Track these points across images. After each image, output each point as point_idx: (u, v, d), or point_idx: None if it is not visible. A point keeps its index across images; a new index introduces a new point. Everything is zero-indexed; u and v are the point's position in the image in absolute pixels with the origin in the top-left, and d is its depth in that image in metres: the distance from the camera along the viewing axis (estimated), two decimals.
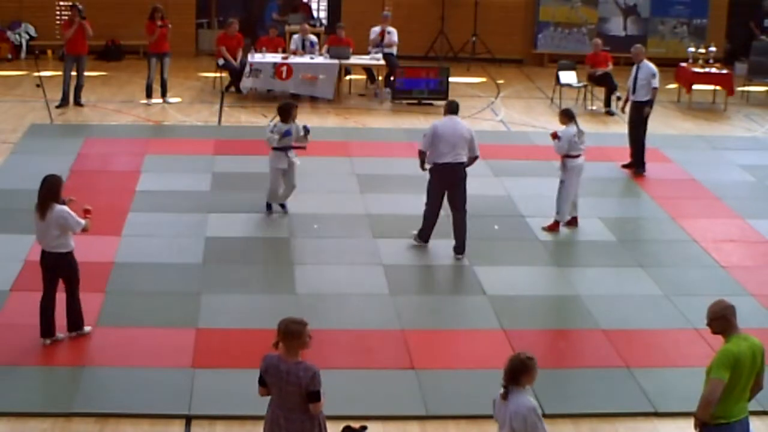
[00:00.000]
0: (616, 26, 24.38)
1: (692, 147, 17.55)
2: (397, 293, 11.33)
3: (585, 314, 11.02)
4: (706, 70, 20.52)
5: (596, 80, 20.14)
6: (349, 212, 13.75)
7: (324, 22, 23.86)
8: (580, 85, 20.44)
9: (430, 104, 19.95)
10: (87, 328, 10.00)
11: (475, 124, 18.57)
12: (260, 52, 20.17)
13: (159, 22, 18.89)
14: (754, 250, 13.09)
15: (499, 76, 23.11)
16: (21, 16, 23.18)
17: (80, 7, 18.59)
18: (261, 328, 10.03)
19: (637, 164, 15.86)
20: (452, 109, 12.49)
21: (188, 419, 8.74)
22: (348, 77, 20.92)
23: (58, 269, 9.71)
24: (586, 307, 11.15)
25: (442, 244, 12.47)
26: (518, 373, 6.71)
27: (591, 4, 24.28)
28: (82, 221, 9.63)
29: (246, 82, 19.71)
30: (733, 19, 24.92)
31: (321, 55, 20.22)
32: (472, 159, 12.38)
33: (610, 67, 20.14)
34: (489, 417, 8.80)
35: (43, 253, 9.71)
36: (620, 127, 18.61)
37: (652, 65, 15.87)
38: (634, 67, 15.97)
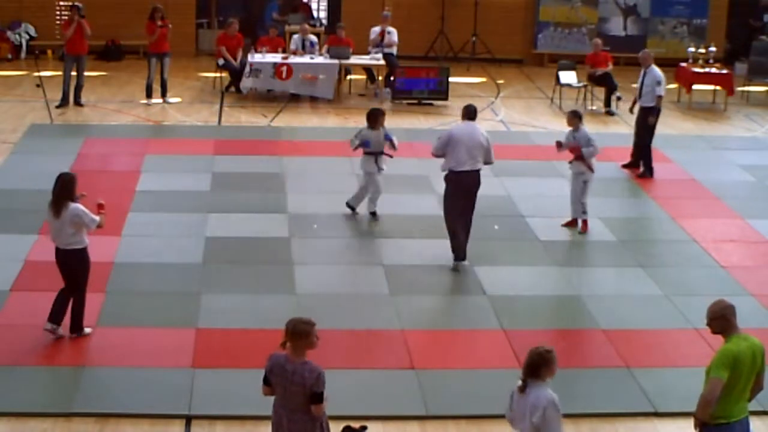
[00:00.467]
0: (616, 26, 24.38)
1: (692, 147, 17.55)
2: (397, 293, 11.32)
3: (585, 314, 11.02)
4: (706, 70, 20.53)
5: (596, 80, 20.15)
6: (349, 212, 13.73)
7: (324, 22, 23.87)
8: (580, 85, 20.44)
9: (430, 104, 19.96)
10: (87, 330, 10.00)
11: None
12: (260, 52, 20.17)
13: (159, 22, 18.90)
14: (754, 250, 13.09)
15: (499, 76, 23.12)
16: (21, 16, 23.19)
17: (80, 6, 18.60)
18: (261, 328, 10.06)
19: (636, 165, 15.86)
20: (470, 114, 12.11)
21: (188, 419, 8.74)
22: (348, 77, 20.91)
23: (70, 265, 9.77)
24: (586, 307, 11.15)
25: (441, 244, 12.46)
26: (538, 366, 6.73)
27: (591, 4, 24.28)
28: (97, 218, 9.68)
29: (246, 82, 19.71)
30: (733, 19, 24.93)
31: (321, 55, 20.22)
32: (485, 164, 12.13)
33: (610, 67, 20.15)
34: (489, 417, 8.87)
35: (57, 250, 9.75)
36: (620, 127, 18.64)
37: (658, 72, 15.76)
38: (642, 72, 15.93)
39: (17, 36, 22.94)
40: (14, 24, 23.05)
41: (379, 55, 20.39)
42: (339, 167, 15.65)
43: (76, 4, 18.76)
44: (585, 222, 13.30)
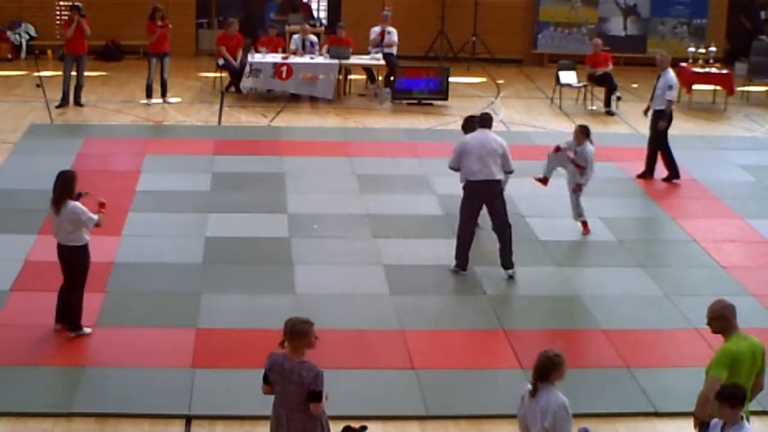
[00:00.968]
0: (616, 26, 24.38)
1: (692, 147, 17.54)
2: (397, 293, 11.32)
3: (585, 314, 11.02)
4: (706, 70, 20.53)
5: (596, 80, 20.15)
6: (349, 212, 13.74)
7: (324, 22, 23.86)
8: (580, 85, 20.44)
9: (430, 104, 19.95)
10: (87, 329, 10.01)
11: None
12: (260, 52, 20.17)
13: (159, 22, 18.89)
14: (754, 250, 13.08)
15: (499, 76, 23.11)
16: (21, 16, 23.18)
17: (80, 6, 18.60)
18: (261, 328, 10.05)
19: (651, 174, 15.63)
20: (483, 122, 11.84)
21: (188, 419, 8.74)
22: (348, 77, 20.89)
23: (70, 261, 9.86)
24: (586, 307, 11.15)
25: (441, 244, 12.47)
26: (548, 370, 6.70)
27: (591, 4, 24.27)
28: (95, 217, 9.74)
29: (246, 82, 19.71)
30: (733, 19, 24.93)
31: (321, 55, 20.22)
32: (505, 174, 11.91)
33: (610, 67, 20.14)
34: (489, 417, 8.88)
35: (59, 245, 9.87)
36: (620, 127, 18.66)
37: (672, 76, 15.67)
38: (658, 75, 15.85)
39: (17, 36, 22.94)
40: (14, 24, 23.04)
41: (379, 55, 20.38)
42: (339, 167, 15.65)
43: (76, 4, 18.76)
44: (585, 224, 13.28)
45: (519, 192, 14.71)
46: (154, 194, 14.14)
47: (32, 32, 23.16)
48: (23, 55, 22.96)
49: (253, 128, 17.85)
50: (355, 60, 20.27)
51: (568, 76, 20.53)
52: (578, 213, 13.24)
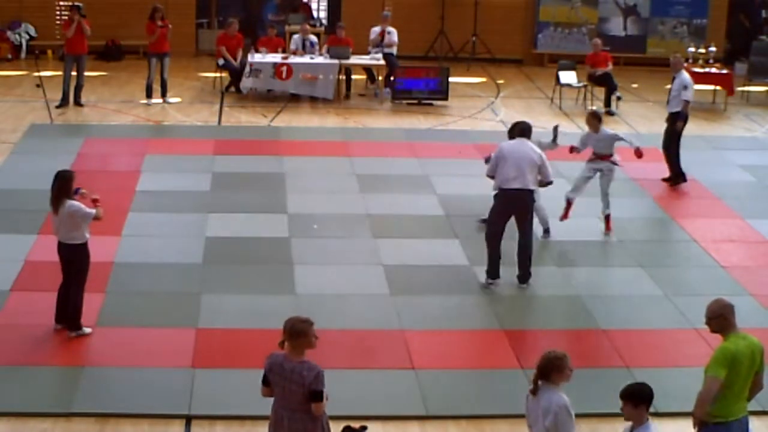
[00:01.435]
0: (616, 26, 24.37)
1: (692, 147, 17.51)
2: (397, 293, 11.32)
3: (585, 314, 11.02)
4: (706, 70, 20.53)
5: (596, 80, 20.15)
6: (349, 212, 13.74)
7: (324, 22, 23.87)
8: (580, 85, 20.44)
9: (430, 104, 19.95)
10: (87, 329, 10.01)
11: (475, 125, 18.61)
12: (260, 52, 20.17)
13: (159, 22, 18.89)
14: (754, 250, 13.09)
15: (499, 76, 23.11)
16: (21, 16, 23.18)
17: (80, 6, 18.60)
18: (261, 328, 10.05)
19: (675, 177, 15.64)
20: (522, 131, 11.56)
21: (188, 419, 8.74)
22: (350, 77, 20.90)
23: (70, 259, 9.90)
24: (586, 307, 11.15)
25: (441, 244, 12.46)
26: (549, 371, 6.71)
27: (591, 4, 24.27)
28: (92, 210, 9.78)
29: (246, 82, 19.71)
30: (733, 19, 24.93)
31: (321, 55, 20.22)
32: (545, 185, 11.63)
33: (610, 67, 20.14)
34: (489, 417, 8.89)
35: (59, 244, 9.91)
36: (620, 127, 18.61)
37: (686, 77, 15.55)
38: (672, 77, 15.76)
39: (17, 36, 22.94)
40: (14, 24, 23.04)
41: (379, 55, 20.38)
42: (339, 167, 15.65)
43: (76, 4, 18.77)
44: (608, 217, 13.29)
45: None
46: (154, 194, 14.14)
47: (32, 32, 23.15)
48: (23, 55, 22.96)
49: (253, 128, 17.85)
50: (355, 60, 20.27)
51: (568, 76, 20.53)
52: (606, 203, 13.25)
